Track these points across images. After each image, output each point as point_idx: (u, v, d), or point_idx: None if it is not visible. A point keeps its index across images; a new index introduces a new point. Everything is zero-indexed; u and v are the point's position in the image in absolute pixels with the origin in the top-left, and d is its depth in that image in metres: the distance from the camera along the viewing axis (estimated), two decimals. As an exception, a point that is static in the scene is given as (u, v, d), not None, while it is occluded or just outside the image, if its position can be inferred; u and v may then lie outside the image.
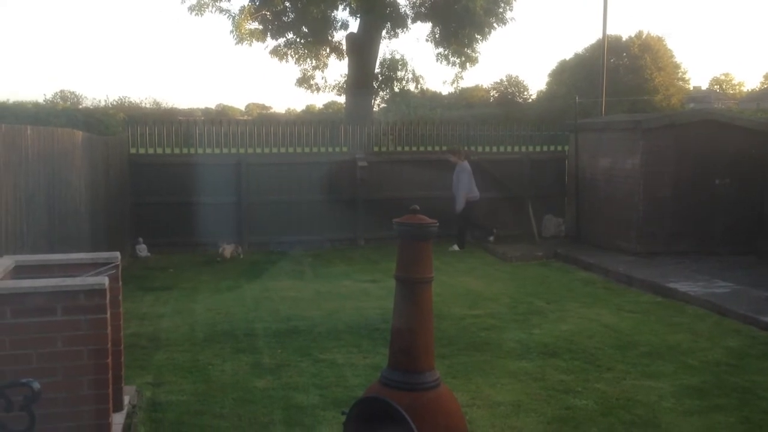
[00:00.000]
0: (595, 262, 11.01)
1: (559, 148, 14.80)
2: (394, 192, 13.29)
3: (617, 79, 45.01)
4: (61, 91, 50.09)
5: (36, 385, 3.34)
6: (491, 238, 13.15)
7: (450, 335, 7.27)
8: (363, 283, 10.09)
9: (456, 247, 12.81)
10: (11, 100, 22.24)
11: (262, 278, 10.41)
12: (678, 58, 54.35)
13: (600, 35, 25.33)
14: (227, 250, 11.92)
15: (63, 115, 17.98)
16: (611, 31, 48.85)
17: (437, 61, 24.08)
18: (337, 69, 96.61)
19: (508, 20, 23.32)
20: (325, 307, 8.57)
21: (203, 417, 5.14)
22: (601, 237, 12.47)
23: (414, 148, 14.53)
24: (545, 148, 14.86)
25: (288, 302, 8.85)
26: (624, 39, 52.19)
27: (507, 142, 14.96)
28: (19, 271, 4.66)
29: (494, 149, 14.82)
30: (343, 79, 26.14)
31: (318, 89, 26.37)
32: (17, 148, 6.05)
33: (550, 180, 14.38)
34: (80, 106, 37.55)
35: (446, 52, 23.80)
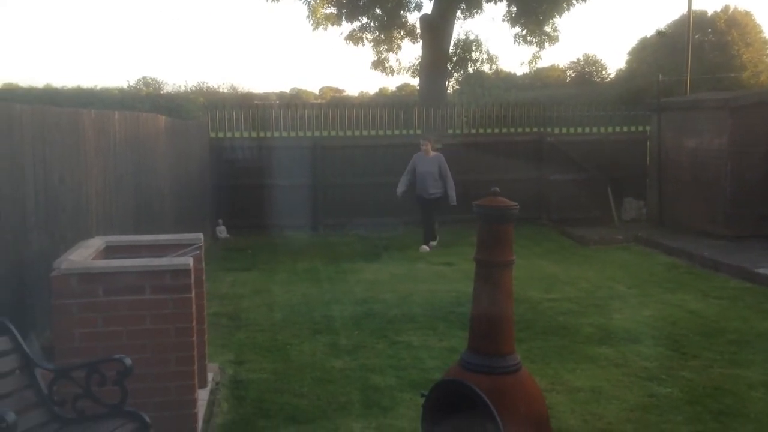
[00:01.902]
0: (678, 246, 10.65)
1: (640, 128, 14.33)
2: (468, 174, 13.15)
3: (702, 56, 43.17)
4: (144, 78, 51.69)
5: (128, 361, 3.48)
6: (433, 243, 11.40)
7: (527, 319, 7.17)
8: (438, 266, 10.07)
9: (434, 243, 11.43)
10: (98, 87, 23.08)
11: (338, 260, 10.52)
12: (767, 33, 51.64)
13: (683, 10, 24.33)
14: None
15: (147, 100, 18.57)
16: (696, 6, 46.90)
17: (515, 42, 23.56)
18: (411, 51, 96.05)
19: (586, -3, 22.62)
20: (400, 290, 8.59)
21: (283, 395, 5.25)
22: (684, 220, 12.04)
23: (489, 130, 14.34)
24: (625, 129, 14.42)
25: (363, 284, 8.91)
26: (709, 14, 49.99)
27: (585, 123, 14.60)
28: (109, 252, 4.84)
29: (572, 130, 14.48)
30: (416, 61, 25.96)
31: (392, 72, 26.26)
32: (106, 134, 6.28)
33: (631, 161, 13.94)
34: (162, 92, 38.69)
35: (524, 32, 23.27)
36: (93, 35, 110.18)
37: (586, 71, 65.45)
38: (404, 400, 5.11)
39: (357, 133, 13.82)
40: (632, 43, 69.54)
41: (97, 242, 4.86)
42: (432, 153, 11.36)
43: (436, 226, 11.60)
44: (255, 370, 5.80)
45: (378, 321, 7.23)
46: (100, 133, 6.06)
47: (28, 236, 4.65)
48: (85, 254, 4.45)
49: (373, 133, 14.05)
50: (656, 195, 12.98)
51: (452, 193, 11.26)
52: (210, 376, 5.34)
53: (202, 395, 4.88)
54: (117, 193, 6.58)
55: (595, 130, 14.37)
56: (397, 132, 14.18)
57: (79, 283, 4.10)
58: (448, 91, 28.56)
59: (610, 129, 14.37)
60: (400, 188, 11.44)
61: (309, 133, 13.73)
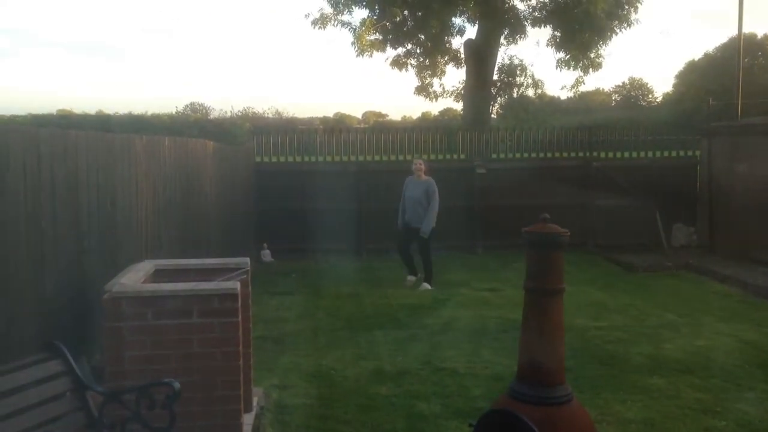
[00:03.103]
0: (731, 274, 10.35)
1: (689, 153, 14.04)
2: (513, 199, 13.05)
3: (752, 79, 42.24)
4: (191, 103, 52.89)
5: (177, 385, 3.49)
6: (411, 278, 10.52)
7: (574, 347, 7.00)
8: (481, 291, 9.96)
9: (427, 285, 10.19)
10: (149, 113, 23.64)
11: (381, 285, 10.49)
12: (820, 55, 50.39)
13: (732, 33, 23.89)
14: None
15: (195, 126, 18.95)
16: (746, 29, 46.06)
17: (557, 68, 23.43)
18: (455, 76, 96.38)
19: (633, 22, 22.42)
20: (444, 315, 8.52)
21: (327, 422, 5.21)
22: (737, 247, 11.71)
23: (533, 155, 14.23)
24: (674, 154, 14.15)
25: (406, 309, 8.86)
26: (759, 37, 49.05)
27: (632, 148, 14.37)
28: (158, 275, 4.90)
29: (618, 155, 14.27)
30: (460, 86, 26.03)
31: (436, 97, 26.37)
32: (156, 158, 6.40)
33: (680, 187, 13.64)
34: (209, 117, 39.44)
35: (567, 57, 23.15)
36: (143, 62, 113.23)
37: (632, 95, 64.71)
38: (449, 428, 5.03)
39: (400, 157, 13.85)
40: (679, 66, 68.58)
41: (146, 266, 4.93)
42: (424, 177, 10.24)
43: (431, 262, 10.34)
44: (299, 395, 5.79)
45: (422, 346, 7.17)
46: (150, 158, 6.18)
47: (81, 259, 4.74)
48: (135, 278, 4.51)
49: (417, 157, 14.04)
50: (707, 221, 12.68)
51: (428, 225, 10.01)
52: (255, 400, 5.34)
53: (248, 419, 4.88)
54: (166, 217, 6.69)
55: (642, 154, 14.13)
56: (440, 156, 14.16)
57: (129, 306, 4.16)
58: (492, 116, 28.51)
59: (658, 153, 14.12)
60: (400, 220, 10.40)
61: (353, 158, 13.80)
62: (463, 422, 4.59)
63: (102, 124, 19.66)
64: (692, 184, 13.61)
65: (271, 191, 13.10)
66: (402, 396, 5.77)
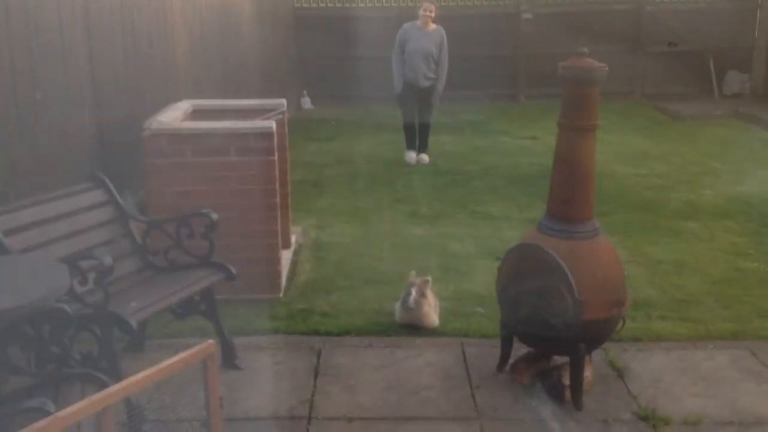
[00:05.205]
0: (781, 123, 10.04)
1: (751, -4, 13.18)
2: (559, 47, 12.53)
3: None
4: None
5: (214, 215, 3.64)
6: (424, 157, 8.52)
7: (611, 193, 7.00)
8: (522, 140, 9.88)
9: (425, 157, 8.54)
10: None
11: (421, 132, 10.44)
12: None
13: None
14: None
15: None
16: None
17: None
18: None
19: None
20: (483, 162, 8.53)
21: (362, 258, 5.41)
22: (791, 95, 11.27)
23: (583, 0, 13.53)
24: (734, -3, 13.30)
25: (446, 156, 8.87)
26: None
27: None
28: (196, 115, 4.98)
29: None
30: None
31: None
32: (190, -2, 6.29)
33: (737, 32, 12.91)
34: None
35: None
36: None
37: (697, -65, 59.90)
38: (481, 266, 5.17)
39: (444, 3, 13.31)
40: None
41: (184, 105, 5.00)
42: (433, 25, 8.43)
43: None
44: (336, 234, 5.98)
45: (459, 191, 7.25)
46: (184, -2, 6.08)
47: (121, 98, 4.82)
48: (173, 116, 4.59)
49: (461, 3, 13.52)
50: (763, 68, 12.12)
51: (442, 86, 8.45)
52: (293, 238, 5.56)
53: (286, 255, 5.11)
54: (203, 59, 6.68)
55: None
56: (485, 2, 13.59)
57: (168, 143, 4.27)
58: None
59: (717, -3, 13.29)
60: (398, 84, 8.37)
61: (394, 4, 13.35)
62: (494, 260, 4.71)
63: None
64: (750, 30, 12.88)
65: (310, 37, 12.83)
66: (437, 237, 5.92)
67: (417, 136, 8.53)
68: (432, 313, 4.24)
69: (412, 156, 8.49)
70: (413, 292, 4.16)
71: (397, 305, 4.28)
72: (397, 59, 8.37)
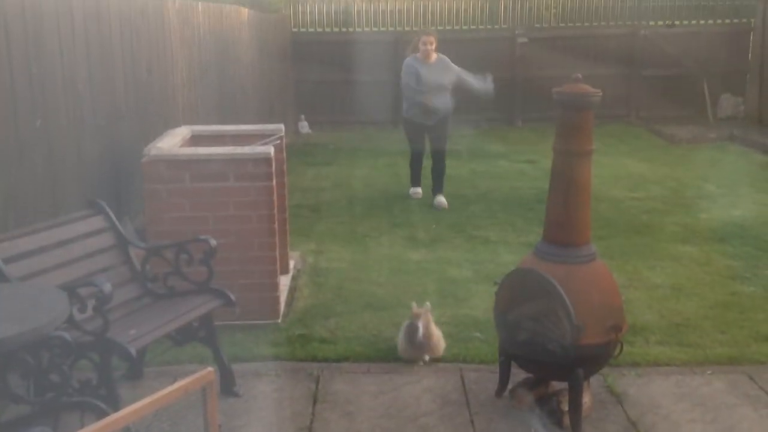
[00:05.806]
0: (776, 146, 10.11)
1: (744, 20, 13.35)
2: (555, 70, 12.68)
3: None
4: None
5: (213, 242, 3.66)
6: (441, 200, 7.70)
7: (608, 217, 7.05)
8: (519, 163, 9.93)
9: (443, 200, 7.70)
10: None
11: (418, 156, 10.49)
12: None
13: None
14: None
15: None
16: None
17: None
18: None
19: None
20: (480, 186, 8.57)
21: (361, 284, 5.41)
22: (785, 119, 11.35)
23: (578, 24, 13.70)
24: (727, 21, 13.47)
25: (443, 180, 8.89)
26: None
27: (683, 16, 13.71)
28: (195, 140, 5.01)
29: (668, 22, 13.64)
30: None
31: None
32: (190, 24, 6.36)
33: (730, 55, 13.08)
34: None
35: None
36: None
37: (690, -40, 60.65)
38: (479, 291, 5.18)
39: (441, 27, 13.47)
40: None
41: (183, 131, 5.03)
42: (434, 55, 7.78)
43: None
44: (334, 260, 5.98)
45: (457, 216, 7.27)
46: (184, 24, 6.15)
47: (120, 124, 4.85)
48: (172, 142, 4.62)
49: (457, 27, 13.67)
50: (756, 91, 12.22)
51: (483, 82, 7.88)
52: (291, 263, 5.56)
53: (284, 280, 5.11)
54: (202, 85, 6.73)
55: (693, 22, 13.50)
56: (482, 27, 13.75)
57: (167, 169, 4.29)
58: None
59: (710, 21, 13.46)
60: (418, 112, 7.73)
61: (392, 28, 13.50)
62: (492, 285, 4.73)
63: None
64: (744, 53, 13.02)
65: (308, 62, 12.96)
66: (434, 262, 5.93)
67: (422, 172, 8.10)
68: (441, 338, 4.16)
69: (418, 192, 8.07)
70: (420, 327, 3.99)
71: (399, 338, 4.14)
72: (409, 88, 7.73)
